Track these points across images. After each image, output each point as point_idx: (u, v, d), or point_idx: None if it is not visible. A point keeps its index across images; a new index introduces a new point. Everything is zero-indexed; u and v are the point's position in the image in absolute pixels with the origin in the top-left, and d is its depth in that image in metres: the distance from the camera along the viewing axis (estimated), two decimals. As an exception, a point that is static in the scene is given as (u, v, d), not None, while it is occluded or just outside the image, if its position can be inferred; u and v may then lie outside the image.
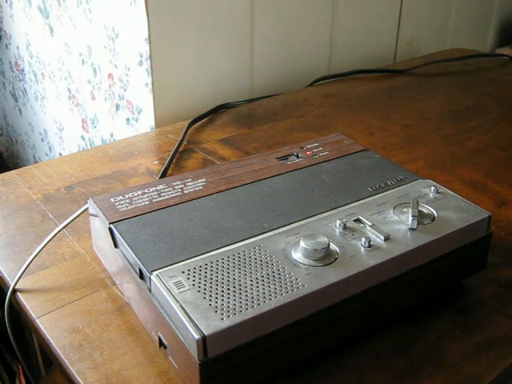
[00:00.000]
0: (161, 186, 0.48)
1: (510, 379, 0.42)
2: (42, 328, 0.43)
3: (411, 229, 0.42)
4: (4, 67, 1.25)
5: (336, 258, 0.39)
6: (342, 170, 0.51)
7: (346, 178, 0.50)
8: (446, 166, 0.69)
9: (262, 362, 0.36)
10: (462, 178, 0.66)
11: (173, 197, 0.47)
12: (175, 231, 0.42)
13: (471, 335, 0.43)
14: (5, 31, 1.19)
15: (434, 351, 0.42)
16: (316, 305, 0.37)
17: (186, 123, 0.78)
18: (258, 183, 0.49)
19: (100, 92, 0.93)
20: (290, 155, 0.54)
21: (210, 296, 0.36)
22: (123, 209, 0.45)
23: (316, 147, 0.56)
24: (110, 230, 0.43)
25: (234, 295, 0.36)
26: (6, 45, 1.20)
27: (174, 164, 0.69)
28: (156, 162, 0.69)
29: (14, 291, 0.47)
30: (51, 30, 1.02)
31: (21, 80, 1.20)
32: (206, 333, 0.33)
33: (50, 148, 1.19)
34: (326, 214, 0.44)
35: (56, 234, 0.49)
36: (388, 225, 0.43)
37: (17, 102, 1.26)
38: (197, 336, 0.33)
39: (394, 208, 0.45)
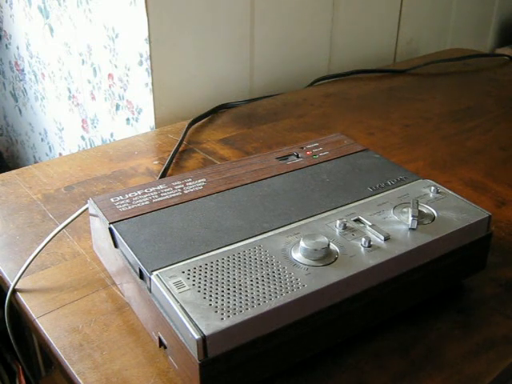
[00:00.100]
0: (161, 186, 0.48)
1: (510, 379, 0.42)
2: (42, 328, 0.43)
3: (411, 229, 0.42)
4: (4, 67, 1.26)
5: (336, 258, 0.39)
6: (342, 170, 0.51)
7: (346, 178, 0.50)
8: (446, 165, 0.69)
9: (261, 362, 0.36)
10: (462, 178, 0.66)
11: (173, 197, 0.47)
12: (175, 231, 0.42)
13: (471, 335, 0.43)
14: (5, 31, 1.19)
15: (433, 351, 0.42)
16: (316, 305, 0.37)
17: (186, 123, 0.78)
18: (257, 183, 0.49)
19: (100, 92, 0.93)
20: (289, 155, 0.54)
21: (210, 296, 0.36)
22: (123, 209, 0.45)
23: (316, 147, 0.56)
24: (110, 230, 0.43)
25: (234, 295, 0.36)
26: (6, 45, 1.20)
27: (174, 164, 0.69)
28: (156, 162, 0.69)
29: (14, 291, 0.47)
30: (51, 30, 1.02)
31: (21, 80, 1.20)
32: (206, 333, 0.33)
33: (49, 148, 1.20)
34: (325, 214, 0.44)
35: (56, 234, 0.49)
36: (388, 225, 0.43)
37: (17, 102, 1.26)
38: (197, 336, 0.33)
39: (394, 208, 0.45)
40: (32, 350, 0.57)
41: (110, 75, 0.88)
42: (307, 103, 0.89)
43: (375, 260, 0.39)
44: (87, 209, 0.48)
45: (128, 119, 0.88)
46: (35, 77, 1.14)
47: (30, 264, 0.48)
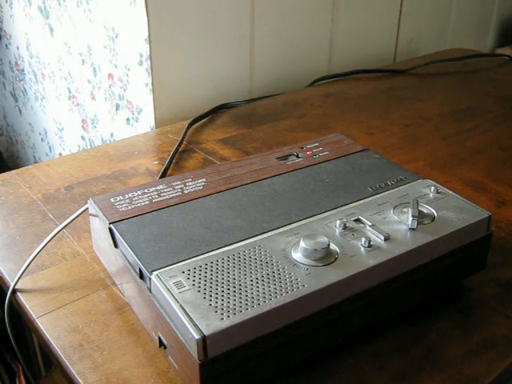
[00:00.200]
0: (161, 186, 0.48)
1: (510, 379, 0.42)
2: (42, 328, 0.43)
3: (411, 229, 0.42)
4: (4, 67, 1.26)
5: (336, 258, 0.39)
6: (342, 170, 0.51)
7: (346, 177, 0.50)
8: (446, 166, 0.69)
9: (262, 362, 0.36)
10: (462, 178, 0.66)
11: (173, 197, 0.47)
12: (175, 231, 0.42)
13: (471, 335, 0.43)
14: (5, 31, 1.19)
15: (433, 351, 0.42)
16: (316, 305, 0.37)
17: (186, 123, 0.78)
18: (257, 183, 0.49)
19: (100, 92, 0.93)
20: (290, 155, 0.54)
21: (210, 296, 0.36)
22: (123, 209, 0.45)
23: (316, 147, 0.56)
24: (110, 230, 0.43)
25: (234, 295, 0.36)
26: (6, 45, 1.20)
27: (174, 164, 0.69)
28: (156, 162, 0.69)
29: (14, 291, 0.47)
30: (51, 30, 1.02)
31: (21, 80, 1.20)
32: (206, 333, 0.33)
33: (49, 148, 1.20)
34: (325, 214, 0.44)
35: (56, 234, 0.49)
36: (388, 225, 0.43)
37: (17, 102, 1.26)
38: (197, 336, 0.33)
39: (394, 208, 0.45)
40: (32, 350, 0.57)
41: (109, 75, 0.88)
42: (307, 103, 0.89)
43: (375, 260, 0.39)
44: (87, 209, 0.48)
45: (128, 119, 0.88)
46: (35, 77, 1.14)
47: (29, 264, 0.48)
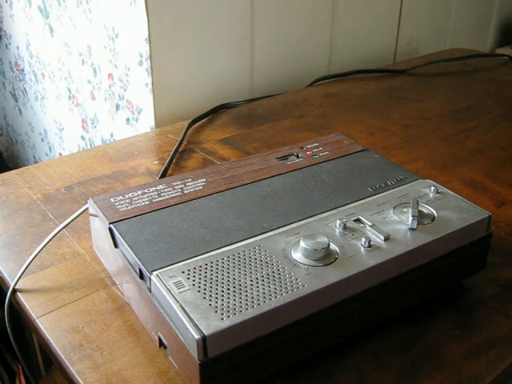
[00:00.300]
0: (161, 186, 0.48)
1: (510, 379, 0.42)
2: (42, 328, 0.43)
3: (411, 229, 0.42)
4: (4, 67, 1.26)
5: (336, 258, 0.39)
6: (342, 170, 0.51)
7: (346, 177, 0.50)
8: (446, 166, 0.69)
9: (262, 362, 0.36)
10: (462, 178, 0.66)
11: (173, 197, 0.47)
12: (175, 231, 0.42)
13: (471, 335, 0.43)
14: (5, 31, 1.19)
15: (433, 351, 0.42)
16: (316, 305, 0.37)
17: (186, 123, 0.78)
18: (257, 183, 0.49)
19: (100, 92, 0.93)
20: (290, 155, 0.54)
21: (210, 296, 0.36)
22: (123, 209, 0.45)
23: (316, 147, 0.56)
24: (110, 230, 0.43)
25: (234, 295, 0.36)
26: (6, 45, 1.20)
27: (174, 164, 0.69)
28: (156, 162, 0.69)
29: (14, 291, 0.47)
30: (51, 30, 1.02)
31: (21, 80, 1.20)
32: (206, 333, 0.33)
33: (49, 148, 1.20)
34: (325, 214, 0.44)
35: (56, 234, 0.49)
36: (388, 225, 0.43)
37: (17, 102, 1.26)
38: (197, 336, 0.33)
39: (394, 208, 0.45)
40: (32, 350, 0.57)
41: (109, 75, 0.88)
42: (307, 103, 0.89)
43: (375, 260, 0.39)
44: (87, 209, 0.48)
45: (128, 119, 0.88)
46: (35, 77, 1.14)
47: (30, 264, 0.48)
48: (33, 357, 0.58)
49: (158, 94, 0.81)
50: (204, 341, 0.33)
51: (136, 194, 0.47)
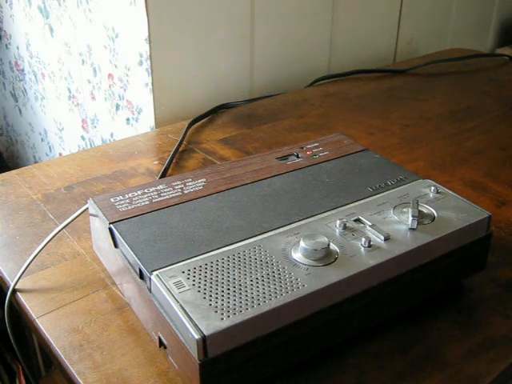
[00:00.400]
0: (161, 186, 0.48)
1: (510, 379, 0.42)
2: (42, 328, 0.43)
3: (411, 229, 0.42)
4: (4, 67, 1.26)
5: (336, 258, 0.39)
6: (342, 170, 0.51)
7: (346, 178, 0.50)
8: (446, 166, 0.69)
9: (262, 362, 0.36)
10: (462, 178, 0.66)
11: (173, 197, 0.47)
12: (175, 231, 0.42)
13: (471, 335, 0.43)
14: (5, 31, 1.19)
15: (433, 351, 0.42)
16: (316, 305, 0.37)
17: (186, 123, 0.78)
18: (257, 183, 0.49)
19: (100, 92, 0.93)
20: (290, 155, 0.54)
21: (210, 296, 0.36)
22: (123, 209, 0.45)
23: (316, 147, 0.56)
24: (110, 230, 0.43)
25: (234, 295, 0.36)
26: (6, 45, 1.20)
27: (174, 164, 0.69)
28: (156, 162, 0.69)
29: (14, 291, 0.47)
30: (51, 30, 1.02)
31: (21, 80, 1.20)
32: (206, 333, 0.33)
33: (49, 148, 1.20)
34: (325, 214, 0.44)
35: (56, 234, 0.49)
36: (388, 225, 0.43)
37: (17, 102, 1.26)
38: (197, 336, 0.33)
39: (394, 208, 0.45)
40: (32, 350, 0.57)
41: (109, 75, 0.88)
42: (307, 103, 0.89)
43: (375, 260, 0.39)
44: (87, 209, 0.48)
45: (128, 119, 0.88)
46: (35, 77, 1.14)
47: (30, 264, 0.48)
48: (33, 357, 0.58)
49: (158, 94, 0.81)
50: (204, 341, 0.33)
51: (136, 194, 0.47)
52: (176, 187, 0.48)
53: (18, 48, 1.16)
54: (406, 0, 1.13)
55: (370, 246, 0.40)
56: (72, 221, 0.49)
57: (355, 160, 0.53)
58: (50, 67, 1.07)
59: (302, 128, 0.79)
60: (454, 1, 1.24)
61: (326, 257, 0.39)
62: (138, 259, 0.39)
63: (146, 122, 0.84)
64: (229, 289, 0.36)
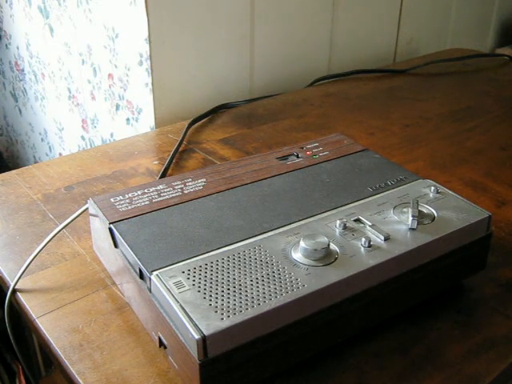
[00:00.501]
0: (161, 186, 0.48)
1: (510, 379, 0.42)
2: (42, 328, 0.43)
3: (411, 229, 0.42)
4: (4, 67, 1.26)
5: (336, 258, 0.39)
6: (342, 170, 0.51)
7: (346, 177, 0.50)
8: (446, 166, 0.69)
9: (262, 362, 0.36)
10: (462, 178, 0.66)
11: (173, 197, 0.47)
12: (175, 231, 0.42)
13: (471, 335, 0.43)
14: (5, 31, 1.19)
15: (433, 351, 0.42)
16: (316, 305, 0.37)
17: (186, 123, 0.78)
18: (257, 183, 0.49)
19: (100, 92, 0.93)
20: (290, 155, 0.54)
21: (210, 296, 0.36)
22: (123, 209, 0.45)
23: (316, 147, 0.56)
24: (110, 229, 0.43)
25: (234, 295, 0.36)
26: (6, 45, 1.20)
27: (174, 164, 0.69)
28: (156, 162, 0.69)
29: (14, 291, 0.47)
30: (51, 30, 1.02)
31: (21, 80, 1.20)
32: (206, 333, 0.33)
33: (49, 148, 1.20)
34: (325, 214, 0.44)
35: (56, 234, 0.49)
36: (388, 225, 0.43)
37: (17, 102, 1.26)
38: (197, 336, 0.33)
39: (394, 208, 0.45)
40: (32, 350, 0.57)
41: (109, 75, 0.88)
42: (307, 103, 0.89)
43: (375, 260, 0.39)
44: (87, 209, 0.48)
45: (128, 119, 0.88)
46: (35, 77, 1.14)
47: (30, 264, 0.48)
48: (33, 357, 0.58)
49: (158, 94, 0.81)
50: (204, 341, 0.33)
51: (136, 194, 0.47)
52: (176, 187, 0.48)
53: (18, 48, 1.16)
54: (405, 0, 1.13)
55: (369, 245, 0.40)
56: (72, 221, 0.49)
57: (355, 160, 0.53)
58: (49, 67, 1.07)
59: (302, 128, 0.79)
60: (454, 1, 1.24)
61: (325, 257, 0.39)
62: (138, 259, 0.39)
63: (146, 122, 0.84)
64: (229, 289, 0.36)
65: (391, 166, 0.52)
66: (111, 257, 0.45)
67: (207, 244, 0.41)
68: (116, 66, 0.86)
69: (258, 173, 0.51)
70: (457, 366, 0.40)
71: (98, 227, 0.46)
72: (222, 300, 0.35)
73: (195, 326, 0.34)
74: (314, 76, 1.01)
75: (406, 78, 1.01)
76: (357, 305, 0.40)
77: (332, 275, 0.38)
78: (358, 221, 0.43)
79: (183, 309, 0.35)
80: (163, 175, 0.64)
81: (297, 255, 0.39)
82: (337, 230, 0.42)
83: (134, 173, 0.66)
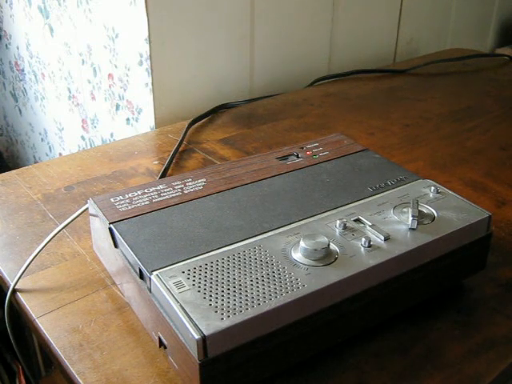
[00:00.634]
0: (161, 186, 0.48)
1: (510, 379, 0.42)
2: (42, 328, 0.43)
3: (411, 229, 0.42)
4: (4, 67, 1.26)
5: (336, 258, 0.39)
6: (342, 170, 0.51)
7: (346, 177, 0.50)
8: (446, 166, 0.69)
9: (261, 362, 0.36)
10: (462, 178, 0.66)
11: (173, 197, 0.47)
12: (175, 231, 0.42)
13: (471, 335, 0.43)
14: (5, 31, 1.19)
15: (433, 351, 0.42)
16: (316, 305, 0.37)
17: (186, 123, 0.78)
18: (257, 183, 0.49)
19: (100, 92, 0.93)
20: (290, 155, 0.54)
21: (210, 296, 0.36)
22: (123, 209, 0.45)
23: (316, 147, 0.56)
24: (110, 229, 0.43)
25: (234, 295, 0.36)
26: (6, 45, 1.20)
27: (174, 164, 0.69)
28: (156, 162, 0.69)
29: (14, 291, 0.47)
30: (51, 30, 1.02)
31: (21, 80, 1.20)
32: (206, 333, 0.33)
33: (49, 148, 1.20)
34: (325, 214, 0.44)
35: (56, 234, 0.49)
36: (388, 225, 0.43)
37: (17, 102, 1.26)
38: (197, 336, 0.33)
39: (394, 208, 0.45)
40: (32, 350, 0.57)
41: (109, 75, 0.88)
42: (307, 103, 0.89)
43: (375, 260, 0.39)
44: (87, 209, 0.48)
45: (128, 119, 0.88)
46: (35, 77, 1.14)
47: (30, 264, 0.48)
48: (33, 357, 0.58)
49: (158, 94, 0.81)
50: (204, 341, 0.33)
51: (136, 194, 0.47)
52: (176, 187, 0.48)
53: (18, 48, 1.16)
54: (405, 0, 1.13)
55: (370, 245, 0.40)
56: (72, 221, 0.49)
57: (355, 160, 0.53)
58: (49, 67, 1.07)
59: (302, 128, 0.79)
60: (454, 1, 1.24)
61: (326, 257, 0.39)
62: (138, 259, 0.39)
63: (146, 122, 0.84)
64: (229, 289, 0.36)
65: (391, 166, 0.52)
66: (111, 257, 0.45)
67: (207, 244, 0.41)
68: (116, 66, 0.86)
69: (257, 173, 0.51)
70: (457, 365, 0.40)
71: (98, 227, 0.46)
72: (222, 300, 0.35)
73: (195, 325, 0.34)
74: (314, 76, 1.01)
75: (406, 78, 1.01)
76: (357, 305, 0.40)
77: (332, 275, 0.38)
78: (358, 221, 0.43)
79: (183, 309, 0.35)
80: (163, 175, 0.64)
81: (297, 255, 0.39)
82: (337, 230, 0.42)
83: (134, 173, 0.66)
